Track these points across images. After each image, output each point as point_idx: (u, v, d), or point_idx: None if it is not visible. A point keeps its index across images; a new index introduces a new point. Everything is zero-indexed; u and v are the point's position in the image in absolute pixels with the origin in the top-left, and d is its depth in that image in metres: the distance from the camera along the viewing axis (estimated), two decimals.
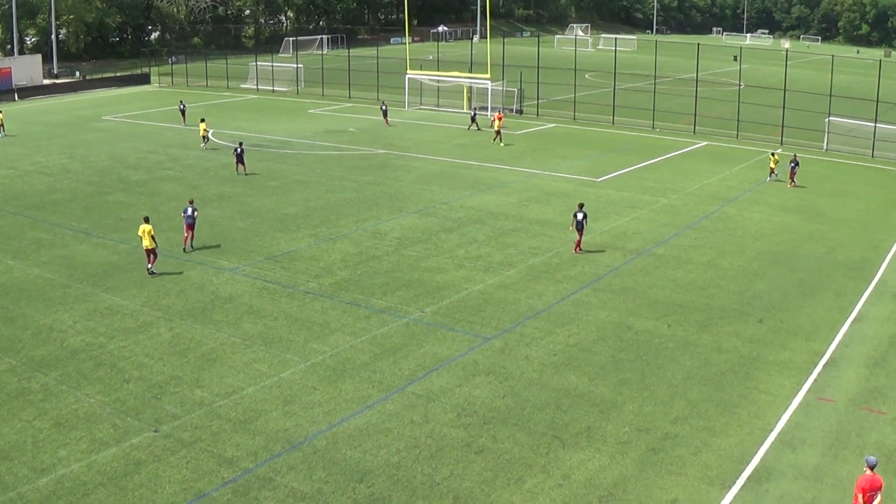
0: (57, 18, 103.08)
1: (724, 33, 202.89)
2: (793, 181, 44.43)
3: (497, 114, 63.87)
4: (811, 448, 19.45)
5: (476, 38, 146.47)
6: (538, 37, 77.01)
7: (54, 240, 34.64)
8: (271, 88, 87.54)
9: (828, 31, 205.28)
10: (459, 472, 18.41)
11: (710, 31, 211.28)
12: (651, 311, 27.38)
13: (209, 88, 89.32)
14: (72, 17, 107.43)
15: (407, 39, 78.28)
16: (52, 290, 28.89)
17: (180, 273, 30.57)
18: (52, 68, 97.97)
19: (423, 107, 74.01)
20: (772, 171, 45.68)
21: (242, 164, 46.15)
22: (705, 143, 58.41)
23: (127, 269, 30.92)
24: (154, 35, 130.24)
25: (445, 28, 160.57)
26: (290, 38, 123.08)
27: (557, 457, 19.00)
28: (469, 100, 72.16)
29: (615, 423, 20.38)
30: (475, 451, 19.16)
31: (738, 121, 60.98)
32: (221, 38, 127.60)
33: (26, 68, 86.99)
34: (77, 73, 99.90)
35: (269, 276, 30.32)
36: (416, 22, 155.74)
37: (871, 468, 15.82)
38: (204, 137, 53.82)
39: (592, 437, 19.77)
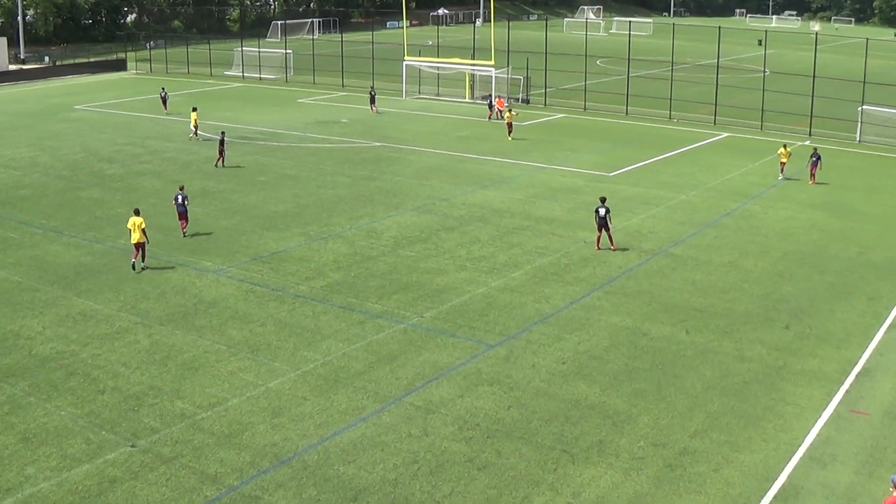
0: None
1: (748, 15, 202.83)
2: (813, 178, 44.02)
3: (498, 99, 64.13)
4: (843, 465, 19.42)
5: (479, 22, 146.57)
6: (546, 20, 77.06)
7: (22, 239, 34.64)
8: (258, 76, 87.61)
9: (862, 12, 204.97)
10: (461, 489, 18.40)
11: (733, 13, 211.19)
12: (668, 316, 27.37)
13: (191, 76, 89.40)
14: None
15: (404, 23, 78.33)
16: (20, 293, 28.89)
17: (160, 275, 30.56)
18: (19, 53, 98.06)
19: (421, 96, 74.04)
20: (782, 167, 44.85)
21: (222, 155, 46.43)
22: (726, 134, 58.41)
23: (102, 271, 30.92)
24: (131, 17, 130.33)
25: (446, 11, 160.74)
26: (279, 22, 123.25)
27: (566, 473, 18.98)
28: (471, 88, 72.21)
29: (629, 437, 20.37)
30: (478, 467, 19.14)
31: (763, 110, 60.98)
32: (204, 21, 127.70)
33: None
34: (46, 59, 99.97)
35: (256, 278, 30.32)
36: (414, 4, 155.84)
37: None
38: (195, 128, 54.00)
39: (604, 452, 19.76)
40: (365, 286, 29.57)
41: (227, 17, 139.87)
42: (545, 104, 69.01)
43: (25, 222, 36.88)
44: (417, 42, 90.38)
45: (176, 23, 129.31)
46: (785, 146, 45.43)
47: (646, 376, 23.29)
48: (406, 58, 73.48)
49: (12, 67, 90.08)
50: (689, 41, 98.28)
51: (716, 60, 66.52)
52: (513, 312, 27.41)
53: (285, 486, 18.42)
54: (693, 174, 46.17)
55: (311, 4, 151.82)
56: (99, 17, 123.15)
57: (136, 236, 30.75)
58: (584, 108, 67.52)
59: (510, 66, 71.21)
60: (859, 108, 57.55)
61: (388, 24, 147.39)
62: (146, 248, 31.18)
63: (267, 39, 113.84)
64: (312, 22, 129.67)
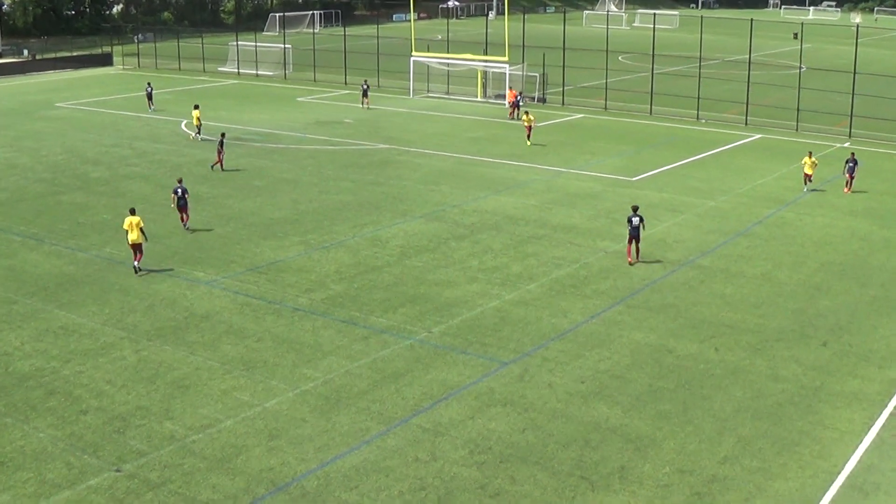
0: None
1: (783, 7, 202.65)
2: (849, 186, 43.40)
3: (510, 91, 64.41)
4: (887, 495, 19.35)
5: (492, 15, 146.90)
6: (564, 13, 77.07)
7: None
8: (254, 72, 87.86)
9: None
10: None
11: (767, 5, 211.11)
12: (695, 332, 27.33)
13: (182, 72, 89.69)
14: None
15: (412, 16, 78.48)
16: None
17: (148, 286, 30.64)
18: None
19: (430, 94, 74.15)
20: (807, 178, 43.32)
21: (220, 158, 46.66)
22: (759, 135, 58.36)
23: (85, 282, 31.02)
24: (117, 8, 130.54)
25: (457, 3, 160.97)
26: (277, 14, 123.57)
27: (585, 501, 18.95)
28: (484, 87, 72.31)
29: (653, 463, 20.34)
30: (490, 495, 19.13)
31: (798, 110, 60.88)
32: (196, 12, 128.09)
33: None
34: (25, 52, 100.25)
35: (253, 290, 30.38)
36: None
37: None
38: (197, 127, 54.31)
39: (626, 479, 19.73)
40: (369, 299, 29.59)
41: (222, 8, 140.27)
42: (563, 103, 69.06)
43: (2, 229, 37.01)
44: (426, 36, 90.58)
45: (166, 14, 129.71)
46: (810, 154, 43.74)
47: (671, 397, 23.25)
48: (414, 53, 73.62)
49: None
50: (719, 35, 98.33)
51: (747, 56, 66.46)
52: (528, 328, 27.40)
53: None
54: (723, 179, 46.12)
55: None
56: (82, 8, 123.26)
57: (133, 236, 31.33)
58: (605, 108, 67.54)
59: (525, 63, 71.31)
60: None
61: (394, 16, 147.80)
62: (143, 247, 31.92)
63: (264, 33, 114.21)
64: (313, 14, 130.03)
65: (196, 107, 55.40)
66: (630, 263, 32.66)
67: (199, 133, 54.60)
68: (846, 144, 54.69)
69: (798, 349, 26.22)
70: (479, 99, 71.78)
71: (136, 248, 31.64)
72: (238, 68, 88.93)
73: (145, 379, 23.98)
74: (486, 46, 76.76)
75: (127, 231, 31.71)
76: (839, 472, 20.06)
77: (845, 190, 43.38)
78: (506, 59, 68.23)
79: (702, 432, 21.59)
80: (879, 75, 70.55)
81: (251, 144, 53.37)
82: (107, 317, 28.06)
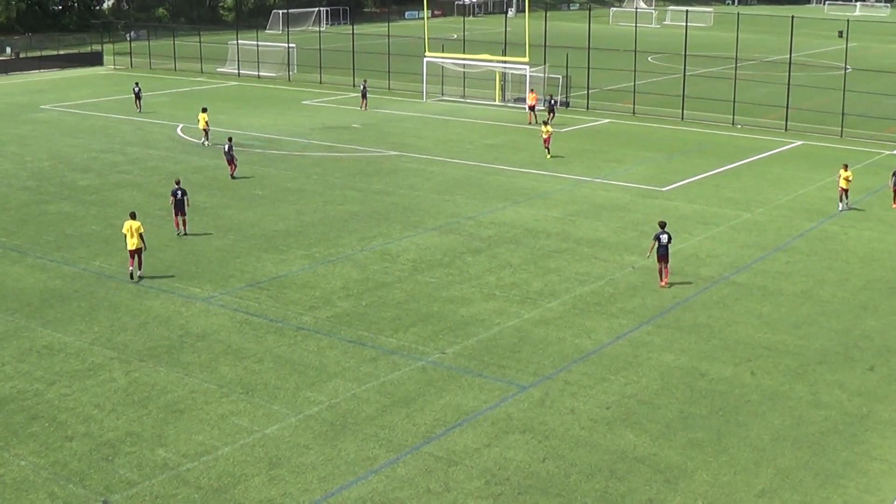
0: None
1: (827, 3, 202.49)
2: None
3: (531, 93, 64.51)
4: None
5: (512, 13, 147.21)
6: (589, 10, 77.32)
7: None
8: (256, 74, 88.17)
9: None
10: None
11: (809, 1, 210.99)
12: (730, 354, 27.26)
13: (178, 73, 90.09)
14: None
15: (425, 13, 78.59)
16: None
17: (140, 303, 30.73)
18: None
19: (444, 98, 74.28)
20: (842, 193, 41.98)
21: (232, 164, 47.42)
22: (800, 142, 58.27)
23: (72, 298, 31.12)
24: (108, 4, 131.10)
25: (473, 0, 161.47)
26: (280, 11, 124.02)
27: None
28: (502, 90, 72.39)
29: (684, 496, 20.28)
30: None
31: (843, 114, 60.81)
32: (194, 9, 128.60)
33: None
34: (8, 50, 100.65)
35: (253, 307, 30.43)
36: None
37: None
38: (205, 132, 54.62)
39: None
40: (378, 317, 29.61)
41: (221, 4, 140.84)
42: (588, 107, 69.08)
43: None
44: (440, 36, 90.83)
45: (161, 11, 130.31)
46: (845, 167, 41.97)
47: (704, 425, 23.18)
48: (427, 54, 73.78)
49: None
50: (757, 33, 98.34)
51: (788, 56, 66.44)
52: (549, 349, 27.38)
53: None
54: (760, 189, 46.05)
55: None
56: (70, 3, 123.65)
57: (133, 242, 31.99)
58: (633, 113, 67.55)
59: (547, 64, 71.38)
60: None
61: (406, 14, 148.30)
62: (143, 254, 32.74)
63: (267, 31, 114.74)
64: (319, 11, 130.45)
65: (204, 110, 55.66)
66: (665, 286, 32.28)
67: (207, 138, 54.89)
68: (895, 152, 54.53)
69: (842, 373, 26.12)
70: (496, 103, 71.88)
71: (136, 254, 32.37)
72: (238, 69, 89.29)
73: (136, 402, 24.02)
74: (505, 46, 76.96)
75: (126, 236, 32.27)
76: None
77: (894, 205, 42.63)
78: (526, 59, 68.29)
79: (737, 463, 21.51)
80: None
81: (252, 151, 53.52)
82: (95, 335, 28.13)
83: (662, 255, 32.16)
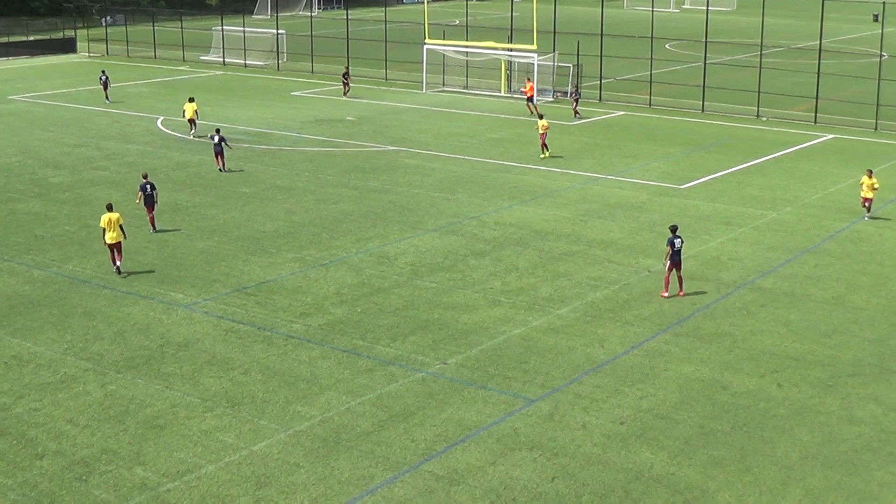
0: None
1: None
2: None
3: (528, 83, 64.56)
4: None
5: None
6: None
7: None
8: (243, 62, 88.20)
9: None
10: None
11: None
12: (754, 365, 27.25)
13: (158, 61, 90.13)
14: None
15: None
16: None
17: (118, 309, 30.73)
18: None
19: (446, 88, 74.30)
20: (865, 203, 40.42)
21: (221, 156, 47.83)
22: (831, 136, 58.26)
23: (43, 304, 31.12)
24: None
25: None
26: None
27: None
28: (508, 80, 72.39)
29: None
30: None
31: (878, 105, 60.81)
32: None
33: None
34: None
35: (239, 314, 30.44)
36: None
37: None
38: (191, 122, 54.86)
39: None
40: (374, 325, 29.61)
41: None
42: (600, 99, 69.10)
43: None
44: (441, 21, 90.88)
45: None
46: (870, 173, 40.40)
47: (726, 441, 23.17)
48: (427, 41, 73.77)
49: None
50: (784, 18, 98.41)
51: (818, 42, 66.44)
52: (558, 359, 27.37)
53: None
54: (787, 186, 46.04)
55: None
56: None
57: (113, 235, 32.51)
58: (649, 105, 67.55)
59: (557, 52, 71.37)
60: None
61: None
62: (121, 247, 33.38)
63: (254, 17, 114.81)
64: None
65: (191, 100, 55.81)
66: (666, 296, 32.10)
67: (194, 128, 55.35)
68: None
69: (877, 386, 26.10)
70: (502, 94, 71.92)
71: (116, 248, 32.89)
72: (223, 57, 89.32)
73: (112, 417, 24.01)
74: (512, 33, 76.94)
75: (104, 230, 32.71)
76: None
77: None
78: (534, 47, 68.29)
79: (762, 483, 21.50)
80: None
81: (239, 146, 53.52)
82: (68, 345, 28.13)
83: (676, 261, 31.89)
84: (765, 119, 62.98)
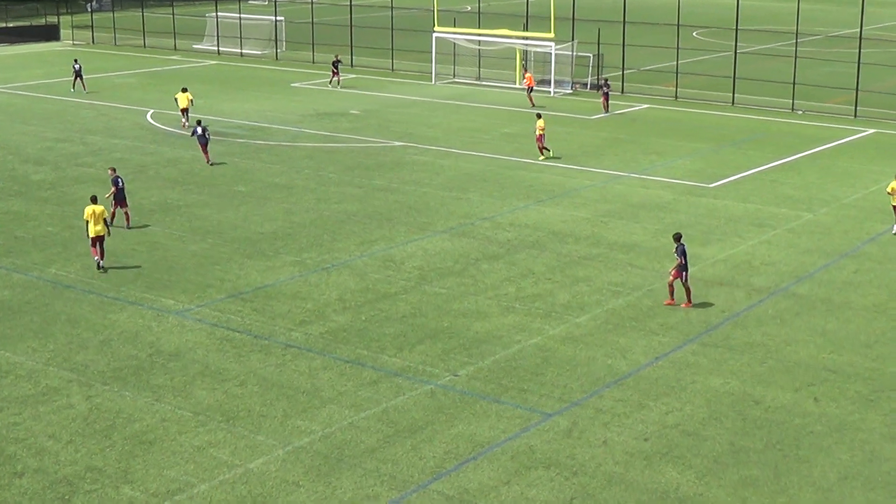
0: None
1: None
2: None
3: (527, 74, 64.63)
4: None
5: None
6: None
7: None
8: (238, 51, 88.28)
9: None
10: None
11: None
12: (789, 378, 27.20)
13: (148, 50, 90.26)
14: None
15: None
16: None
17: (104, 316, 30.75)
18: None
19: (457, 80, 74.34)
20: None
21: (206, 149, 48.30)
22: (871, 130, 58.18)
23: (23, 311, 31.17)
24: None
25: None
26: None
27: None
28: (523, 70, 72.33)
29: None
30: None
31: None
32: None
33: None
34: None
35: (235, 321, 30.45)
36: None
37: None
38: (184, 111, 55.29)
39: None
40: (380, 334, 29.62)
41: None
42: (623, 91, 69.05)
43: None
44: (452, 8, 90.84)
45: None
46: None
47: (759, 460, 23.13)
48: (436, 28, 73.80)
49: None
50: (821, 3, 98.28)
51: (858, 29, 66.31)
52: (577, 371, 27.35)
53: None
54: (824, 185, 45.97)
55: None
56: None
57: (97, 229, 33.01)
58: (676, 97, 67.52)
59: (576, 41, 71.31)
60: None
61: None
62: (104, 242, 33.90)
63: (250, 2, 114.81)
64: None
65: (184, 89, 56.03)
66: (687, 306, 31.99)
67: (186, 119, 55.66)
68: None
69: None
70: (517, 86, 71.86)
71: (99, 242, 33.37)
72: (218, 46, 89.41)
73: (98, 432, 24.03)
74: (527, 20, 76.96)
75: (87, 223, 33.22)
76: None
77: None
78: (551, 35, 68.28)
79: None
80: None
81: (234, 141, 53.59)
82: (51, 354, 28.16)
83: (682, 271, 31.52)
84: (800, 112, 62.89)
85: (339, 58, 72.57)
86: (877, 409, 25.55)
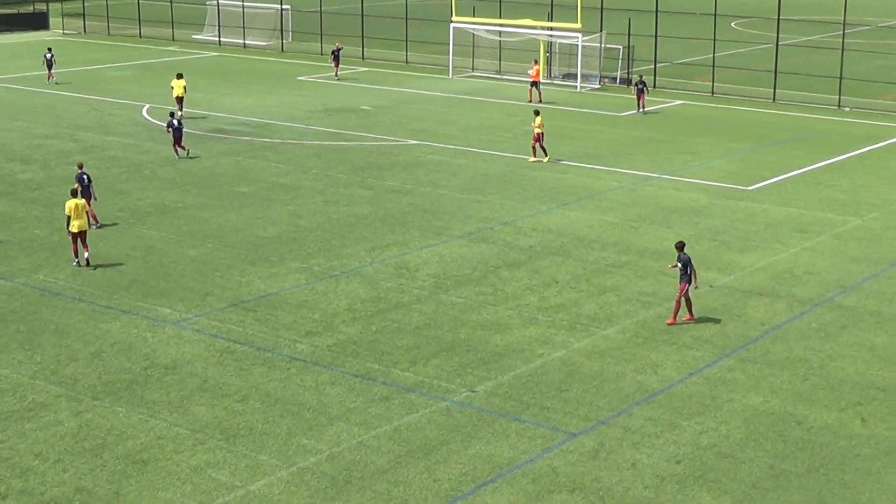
0: None
1: None
2: None
3: (535, 65, 64.55)
4: None
5: None
6: None
7: None
8: (241, 42, 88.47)
9: None
10: None
11: None
12: (834, 396, 27.14)
13: (144, 40, 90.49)
14: None
15: None
16: None
17: (95, 326, 30.82)
18: None
19: (476, 73, 74.36)
20: None
21: (178, 141, 49.11)
22: None
23: (8, 320, 31.24)
24: None
25: None
26: None
27: None
28: (548, 63, 72.31)
29: None
30: None
31: None
32: None
33: None
34: None
35: (236, 332, 30.50)
36: None
37: None
38: (178, 100, 56.05)
39: None
40: (391, 346, 29.64)
41: None
42: (654, 86, 68.98)
43: None
44: None
45: None
46: None
47: (801, 485, 23.08)
48: (454, 18, 73.85)
49: None
50: None
51: None
52: (604, 387, 27.33)
53: None
54: (872, 188, 45.88)
55: None
56: None
57: (80, 223, 33.56)
58: (712, 93, 67.46)
59: (604, 32, 71.33)
60: None
61: None
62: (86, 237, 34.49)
63: None
64: None
65: (179, 76, 56.44)
66: (689, 319, 31.85)
67: (181, 109, 56.14)
68: None
69: None
70: (541, 80, 71.80)
71: (81, 237, 33.99)
72: (219, 36, 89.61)
73: (88, 451, 24.07)
74: (552, 10, 77.00)
75: (69, 217, 33.62)
76: None
77: None
78: (577, 26, 68.26)
79: None
80: None
81: (236, 138, 53.70)
82: (37, 367, 28.22)
83: (687, 282, 31.46)
84: (847, 109, 62.80)
85: (340, 46, 72.98)
86: None
